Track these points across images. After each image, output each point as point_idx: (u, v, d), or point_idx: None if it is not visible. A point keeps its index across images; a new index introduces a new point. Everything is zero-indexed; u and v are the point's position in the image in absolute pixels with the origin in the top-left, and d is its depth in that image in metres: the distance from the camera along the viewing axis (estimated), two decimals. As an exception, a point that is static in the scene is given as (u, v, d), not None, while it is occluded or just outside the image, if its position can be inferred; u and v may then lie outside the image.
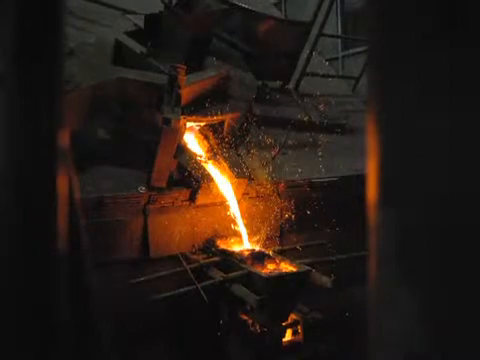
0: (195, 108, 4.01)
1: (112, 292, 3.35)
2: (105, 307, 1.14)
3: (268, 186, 4.21)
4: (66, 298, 0.86)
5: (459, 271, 0.65)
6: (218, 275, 3.62)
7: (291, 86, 5.49)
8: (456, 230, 0.65)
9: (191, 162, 3.95)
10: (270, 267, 3.64)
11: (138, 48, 4.32)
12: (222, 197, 4.00)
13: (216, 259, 3.85)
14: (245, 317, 3.59)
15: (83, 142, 3.63)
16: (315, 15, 5.22)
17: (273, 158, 4.42)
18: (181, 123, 3.71)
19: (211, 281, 3.59)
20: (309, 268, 3.54)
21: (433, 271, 0.66)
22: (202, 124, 4.21)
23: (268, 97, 5.07)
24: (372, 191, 0.71)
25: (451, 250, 0.65)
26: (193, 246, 3.98)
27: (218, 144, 4.20)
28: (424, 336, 0.66)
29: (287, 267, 3.62)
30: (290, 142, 4.66)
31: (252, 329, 3.53)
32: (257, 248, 3.94)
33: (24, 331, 0.81)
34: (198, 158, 4.07)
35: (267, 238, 4.15)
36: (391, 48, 0.70)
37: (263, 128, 4.65)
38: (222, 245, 3.97)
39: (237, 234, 4.08)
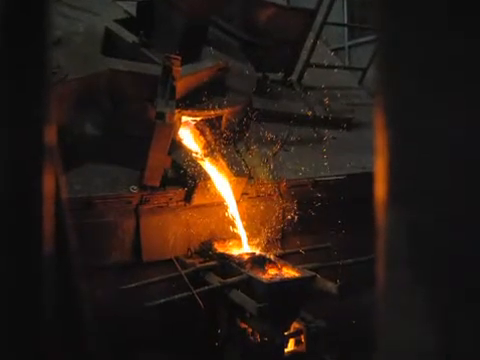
0: (191, 101, 4.01)
1: (102, 298, 3.36)
2: (94, 314, 1.14)
3: (269, 185, 4.21)
4: (53, 303, 0.86)
5: (476, 275, 0.65)
6: (215, 281, 3.63)
7: (294, 78, 5.49)
8: (472, 230, 0.65)
9: (186, 159, 3.95)
10: (271, 272, 3.64)
11: (130, 37, 4.32)
12: (220, 197, 4.00)
13: (213, 263, 3.85)
14: (244, 325, 3.59)
15: (71, 138, 3.64)
16: (320, 2, 5.22)
17: (274, 155, 4.42)
18: (176, 117, 3.71)
19: (208, 287, 3.60)
20: (313, 273, 3.55)
21: (448, 275, 0.66)
22: (198, 119, 4.21)
23: (269, 90, 5.07)
24: (381, 190, 0.71)
25: (467, 252, 0.65)
26: (189, 249, 3.98)
27: (215, 140, 4.20)
28: (438, 345, 0.66)
29: (289, 272, 3.62)
30: (292, 138, 4.66)
31: (252, 338, 3.53)
32: (257, 252, 3.94)
33: (10, 336, 0.81)
34: (194, 155, 4.07)
35: (268, 241, 4.15)
36: (401, 37, 0.70)
37: (264, 123, 4.65)
38: (220, 248, 3.97)
39: (236, 237, 4.08)
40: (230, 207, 4.05)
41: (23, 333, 0.82)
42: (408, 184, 0.69)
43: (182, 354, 3.81)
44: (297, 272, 3.59)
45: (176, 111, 3.65)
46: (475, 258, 0.65)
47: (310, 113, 5.02)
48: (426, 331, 0.67)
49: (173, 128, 3.63)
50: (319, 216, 4.28)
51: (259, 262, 3.71)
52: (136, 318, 3.54)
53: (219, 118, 4.27)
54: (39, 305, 0.84)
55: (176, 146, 3.96)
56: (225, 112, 4.27)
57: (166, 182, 3.80)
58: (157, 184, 3.73)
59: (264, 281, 3.42)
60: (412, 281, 0.68)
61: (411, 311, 0.68)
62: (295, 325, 3.52)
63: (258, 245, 4.06)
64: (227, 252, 3.91)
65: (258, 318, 3.37)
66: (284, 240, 4.32)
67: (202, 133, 4.25)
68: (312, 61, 5.50)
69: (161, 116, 3.46)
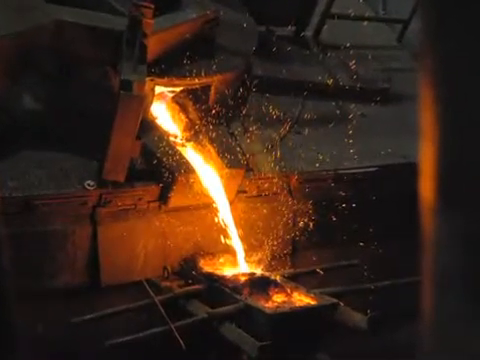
0: (168, 66, 4.01)
1: (45, 334, 3.36)
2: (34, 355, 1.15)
3: (275, 180, 4.21)
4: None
5: None
6: (201, 311, 3.63)
7: (309, 34, 5.48)
8: None
9: (162, 145, 3.94)
10: (277, 299, 3.64)
11: (84, -22, 4.31)
12: (207, 196, 4.00)
13: (198, 287, 3.85)
14: (241, 371, 3.60)
15: (3, 116, 3.63)
16: None
17: (282, 139, 4.42)
18: (147, 87, 3.71)
19: (191, 319, 3.60)
20: (335, 301, 3.55)
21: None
22: (178, 89, 4.20)
23: (275, 50, 5.06)
24: (428, 188, 0.71)
25: None
26: (165, 269, 3.98)
27: (201, 119, 4.20)
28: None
29: (302, 299, 3.63)
30: (307, 116, 4.67)
31: (251, 389, 3.55)
32: (258, 271, 3.94)
33: None
34: (172, 139, 4.06)
35: (273, 257, 4.15)
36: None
37: (267, 95, 4.65)
38: (207, 267, 3.97)
39: (229, 251, 4.09)
40: (221, 210, 4.05)
41: None
42: (465, 181, 0.69)
43: None
44: (312, 299, 3.59)
45: (147, 79, 3.64)
46: None
47: (331, 81, 5.02)
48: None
49: (143, 102, 3.63)
50: (343, 222, 4.28)
51: (261, 285, 3.72)
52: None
53: (206, 89, 4.27)
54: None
55: (148, 127, 3.96)
56: (214, 80, 4.27)
57: (134, 176, 3.79)
58: (122, 179, 3.72)
59: (267, 311, 3.42)
60: (469, 310, 0.68)
61: (467, 349, 0.68)
62: (310, 371, 3.54)
63: (259, 262, 4.06)
64: (217, 272, 3.92)
65: (259, 361, 3.38)
66: (295, 255, 4.33)
67: (183, 109, 4.25)
68: (334, 11, 5.49)
69: (127, 86, 3.46)
